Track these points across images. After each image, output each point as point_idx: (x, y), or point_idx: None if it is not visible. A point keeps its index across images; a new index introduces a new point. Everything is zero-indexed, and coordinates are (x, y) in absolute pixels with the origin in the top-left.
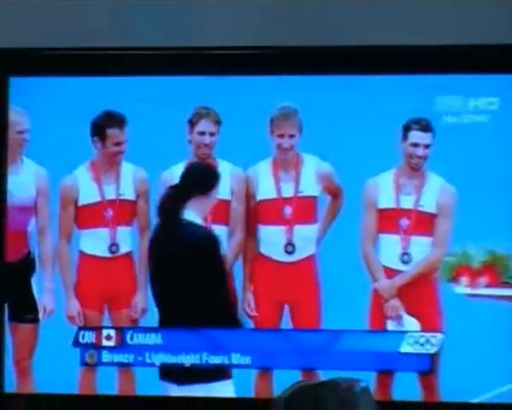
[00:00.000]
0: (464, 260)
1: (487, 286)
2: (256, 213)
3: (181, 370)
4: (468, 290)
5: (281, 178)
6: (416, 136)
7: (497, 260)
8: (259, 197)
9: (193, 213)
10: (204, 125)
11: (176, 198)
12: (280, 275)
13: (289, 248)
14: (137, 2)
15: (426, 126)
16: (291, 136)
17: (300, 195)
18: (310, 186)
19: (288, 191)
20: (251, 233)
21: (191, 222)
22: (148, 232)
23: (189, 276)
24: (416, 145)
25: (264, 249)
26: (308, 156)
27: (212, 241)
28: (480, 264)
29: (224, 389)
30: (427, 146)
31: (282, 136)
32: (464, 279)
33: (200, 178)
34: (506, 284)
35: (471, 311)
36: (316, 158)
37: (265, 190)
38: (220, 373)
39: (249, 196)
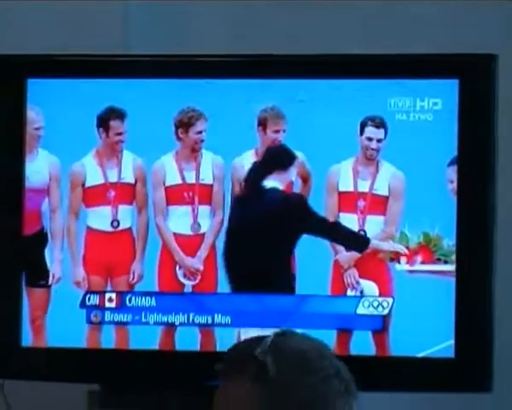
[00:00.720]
0: (402, 242)
1: (422, 263)
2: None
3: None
4: (407, 268)
5: None
6: (370, 131)
7: (430, 241)
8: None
9: (274, 183)
10: (200, 125)
11: (259, 172)
12: None
13: None
14: (136, 13)
15: (379, 124)
16: (284, 131)
17: None
18: None
19: None
20: None
21: (274, 188)
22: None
23: (270, 237)
24: (370, 139)
25: None
26: None
27: (298, 199)
28: (416, 244)
29: None
30: (379, 140)
31: (277, 131)
32: (403, 259)
33: (280, 157)
34: (438, 261)
35: (412, 283)
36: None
37: None
38: None
39: (235, 180)
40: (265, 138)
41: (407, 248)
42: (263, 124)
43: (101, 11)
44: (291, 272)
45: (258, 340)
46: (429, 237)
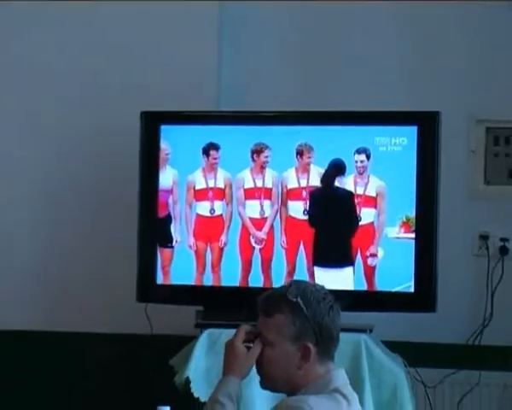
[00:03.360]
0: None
1: (404, 233)
2: (287, 195)
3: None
4: (395, 234)
5: (300, 177)
6: (356, 156)
7: (409, 220)
8: (289, 187)
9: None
10: (266, 153)
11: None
12: (299, 226)
13: (305, 212)
14: (225, 80)
15: (361, 151)
16: (312, 157)
17: (310, 185)
18: (314, 181)
19: (303, 183)
20: (284, 205)
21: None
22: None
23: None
24: (356, 161)
25: (292, 213)
26: (313, 166)
27: (348, 194)
28: (401, 221)
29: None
30: (362, 161)
31: (309, 157)
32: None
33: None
34: (413, 232)
35: (397, 244)
36: (317, 167)
37: (292, 183)
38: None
39: (283, 186)
40: (302, 162)
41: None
42: (300, 153)
43: (202, 81)
44: None
45: (284, 288)
46: (408, 217)
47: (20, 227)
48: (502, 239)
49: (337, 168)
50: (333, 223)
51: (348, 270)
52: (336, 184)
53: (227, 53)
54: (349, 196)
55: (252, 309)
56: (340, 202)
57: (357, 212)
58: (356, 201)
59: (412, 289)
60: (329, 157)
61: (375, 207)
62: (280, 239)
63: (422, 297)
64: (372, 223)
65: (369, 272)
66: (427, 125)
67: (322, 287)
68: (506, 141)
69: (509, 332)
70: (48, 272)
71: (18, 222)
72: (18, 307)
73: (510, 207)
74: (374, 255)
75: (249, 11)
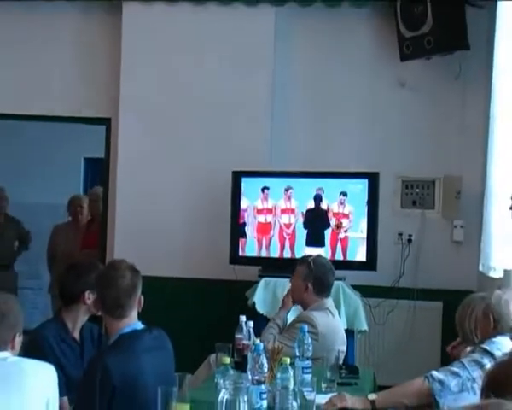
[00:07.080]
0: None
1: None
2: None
3: None
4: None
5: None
6: (340, 197)
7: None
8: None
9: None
10: (291, 191)
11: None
12: None
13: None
14: (275, 149)
15: (343, 193)
16: (324, 192)
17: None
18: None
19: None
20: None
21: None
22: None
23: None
24: (340, 196)
25: None
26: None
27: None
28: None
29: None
30: (342, 197)
31: (320, 193)
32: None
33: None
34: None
35: (354, 239)
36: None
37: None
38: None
39: (304, 208)
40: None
41: None
42: (318, 190)
43: (260, 151)
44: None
45: (306, 257)
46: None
47: (173, 222)
48: (409, 235)
49: (320, 198)
50: (319, 225)
51: (323, 248)
52: (322, 206)
53: (275, 135)
54: (326, 212)
55: (286, 268)
56: (322, 215)
57: (329, 220)
58: (330, 215)
59: (365, 259)
60: (326, 194)
61: (348, 218)
62: (301, 235)
63: (370, 263)
64: (346, 227)
65: (344, 250)
66: (372, 179)
67: (327, 259)
68: (411, 187)
69: (413, 280)
70: (185, 246)
71: (174, 218)
72: (167, 262)
73: (414, 220)
74: (345, 242)
75: (287, 108)
